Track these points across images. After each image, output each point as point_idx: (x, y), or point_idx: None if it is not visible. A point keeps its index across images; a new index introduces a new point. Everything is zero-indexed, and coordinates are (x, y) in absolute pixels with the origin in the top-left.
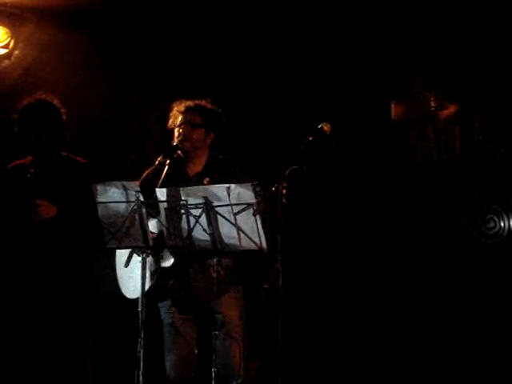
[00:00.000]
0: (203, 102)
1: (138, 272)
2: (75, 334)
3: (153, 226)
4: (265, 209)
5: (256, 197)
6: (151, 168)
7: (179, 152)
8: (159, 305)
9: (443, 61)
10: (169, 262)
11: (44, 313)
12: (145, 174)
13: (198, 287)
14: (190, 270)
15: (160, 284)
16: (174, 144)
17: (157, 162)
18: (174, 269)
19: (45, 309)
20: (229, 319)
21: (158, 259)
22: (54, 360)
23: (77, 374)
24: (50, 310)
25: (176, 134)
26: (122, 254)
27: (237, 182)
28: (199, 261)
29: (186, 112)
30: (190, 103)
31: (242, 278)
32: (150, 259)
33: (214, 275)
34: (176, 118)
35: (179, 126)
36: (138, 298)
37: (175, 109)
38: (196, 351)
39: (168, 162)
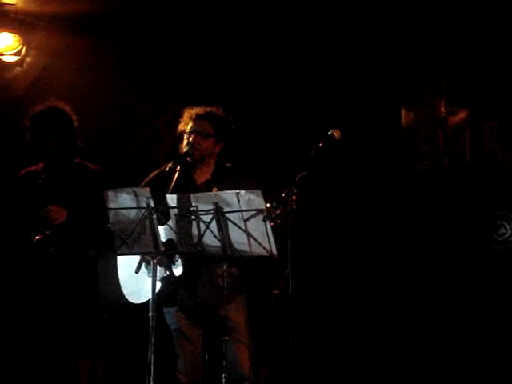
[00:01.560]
0: (214, 110)
1: (143, 277)
2: (84, 339)
3: (161, 232)
4: (281, 215)
5: (273, 207)
6: (158, 170)
7: (188, 158)
8: (164, 310)
9: (453, 67)
10: (178, 271)
11: (53, 317)
12: (151, 176)
13: (206, 296)
14: (198, 279)
15: (167, 292)
16: (184, 151)
17: (167, 168)
18: (181, 278)
19: (54, 313)
20: (237, 325)
21: (169, 266)
22: (62, 364)
23: (86, 378)
24: (60, 313)
25: (185, 141)
26: (123, 259)
27: (245, 189)
28: (207, 270)
29: (196, 120)
30: (201, 111)
31: (246, 284)
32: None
33: (222, 284)
34: (186, 124)
35: (189, 133)
36: (144, 303)
37: (186, 114)
38: (206, 357)
39: (178, 168)
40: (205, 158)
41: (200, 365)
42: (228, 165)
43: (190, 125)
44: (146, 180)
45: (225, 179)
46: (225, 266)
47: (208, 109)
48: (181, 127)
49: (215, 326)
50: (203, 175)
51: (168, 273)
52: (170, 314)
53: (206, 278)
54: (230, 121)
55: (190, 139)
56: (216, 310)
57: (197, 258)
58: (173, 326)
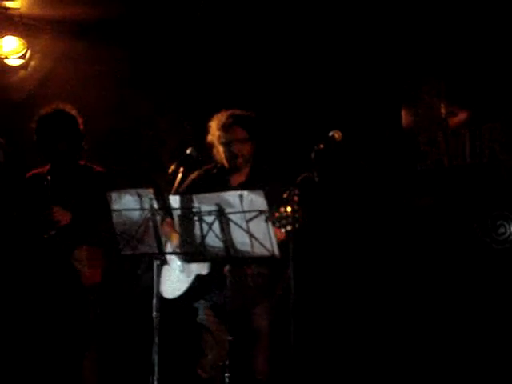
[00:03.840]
0: (239, 113)
1: (176, 274)
2: (89, 338)
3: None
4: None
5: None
6: (196, 173)
7: (220, 163)
8: (196, 304)
9: (454, 67)
10: (204, 270)
11: (58, 316)
12: (191, 179)
13: (235, 294)
14: (228, 278)
15: (197, 290)
16: (188, 152)
17: (203, 172)
18: (211, 276)
19: (60, 312)
20: (260, 327)
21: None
22: (67, 363)
23: (90, 378)
24: (65, 312)
25: (223, 153)
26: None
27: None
28: (237, 269)
29: (228, 129)
30: (229, 119)
31: (276, 285)
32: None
33: (252, 284)
34: (215, 135)
35: (226, 144)
36: (174, 299)
37: (213, 126)
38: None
39: (215, 171)
40: (248, 161)
41: (223, 364)
42: (264, 167)
43: (222, 136)
44: (187, 182)
45: (260, 181)
46: (253, 268)
47: (234, 114)
48: (210, 138)
49: (239, 326)
50: (239, 177)
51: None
52: (201, 310)
53: (234, 278)
54: (255, 118)
55: (231, 149)
56: (243, 311)
57: (224, 261)
58: (201, 322)
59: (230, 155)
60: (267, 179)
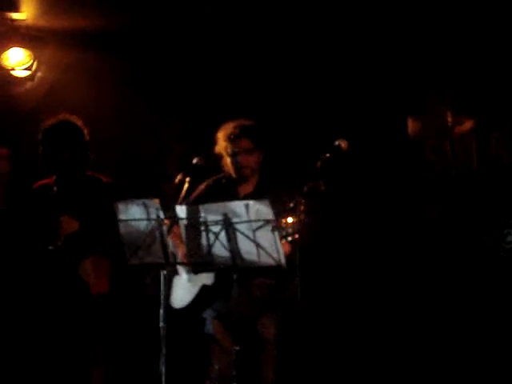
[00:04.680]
0: (246, 123)
1: (183, 284)
2: (97, 348)
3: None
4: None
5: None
6: (205, 184)
7: (228, 173)
8: (203, 314)
9: (459, 76)
10: (210, 280)
11: (66, 326)
12: (201, 189)
13: (241, 304)
14: (234, 288)
15: (202, 300)
16: (194, 162)
17: (212, 182)
18: (216, 287)
19: (67, 322)
20: (267, 338)
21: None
22: (76, 374)
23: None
24: (73, 323)
25: (231, 164)
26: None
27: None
28: (243, 279)
29: (235, 140)
30: (236, 130)
31: (281, 295)
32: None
33: (258, 294)
34: (223, 146)
35: (233, 155)
36: (181, 309)
37: (221, 137)
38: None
39: (223, 181)
40: (256, 172)
41: (230, 375)
42: (272, 176)
43: (229, 147)
44: (197, 193)
45: (267, 192)
46: (260, 278)
47: (240, 124)
48: (218, 149)
49: (246, 336)
50: (247, 187)
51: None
52: (208, 321)
53: (240, 288)
54: (262, 128)
55: (238, 160)
56: (250, 322)
57: (230, 271)
58: (209, 333)
59: (237, 166)
60: (275, 189)
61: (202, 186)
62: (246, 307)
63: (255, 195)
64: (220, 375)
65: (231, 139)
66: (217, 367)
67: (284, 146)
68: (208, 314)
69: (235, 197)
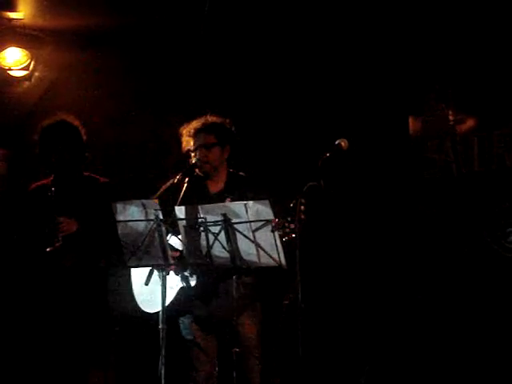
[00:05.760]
0: (209, 119)
1: (156, 286)
2: (96, 351)
3: (177, 243)
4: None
5: (287, 221)
6: (169, 183)
7: (197, 171)
8: (179, 321)
9: (461, 74)
10: (192, 282)
11: (64, 329)
12: (162, 190)
13: (220, 305)
14: (212, 288)
15: (181, 301)
16: (193, 162)
17: (175, 180)
18: (195, 287)
19: (65, 324)
20: (249, 336)
21: (186, 278)
22: (74, 377)
23: None
24: (71, 325)
25: (193, 159)
26: (138, 270)
27: (257, 199)
28: (220, 279)
29: (196, 135)
30: (197, 125)
31: (261, 294)
32: (170, 276)
33: (235, 293)
34: (188, 142)
35: (194, 150)
36: (157, 313)
37: (184, 133)
38: (216, 368)
39: (187, 180)
40: (217, 168)
41: (214, 378)
42: (241, 174)
43: (192, 142)
44: (158, 193)
45: (238, 189)
46: (234, 277)
47: (203, 120)
48: (184, 146)
49: (227, 336)
50: (217, 185)
51: (185, 284)
52: (185, 325)
53: (221, 289)
54: (227, 123)
55: (197, 155)
56: (230, 321)
57: (208, 271)
58: (188, 337)
59: (198, 161)
60: (244, 186)
61: (172, 181)
62: (223, 308)
63: (225, 192)
64: (203, 378)
65: (193, 134)
66: (203, 373)
67: (285, 146)
68: (186, 318)
69: (205, 193)
